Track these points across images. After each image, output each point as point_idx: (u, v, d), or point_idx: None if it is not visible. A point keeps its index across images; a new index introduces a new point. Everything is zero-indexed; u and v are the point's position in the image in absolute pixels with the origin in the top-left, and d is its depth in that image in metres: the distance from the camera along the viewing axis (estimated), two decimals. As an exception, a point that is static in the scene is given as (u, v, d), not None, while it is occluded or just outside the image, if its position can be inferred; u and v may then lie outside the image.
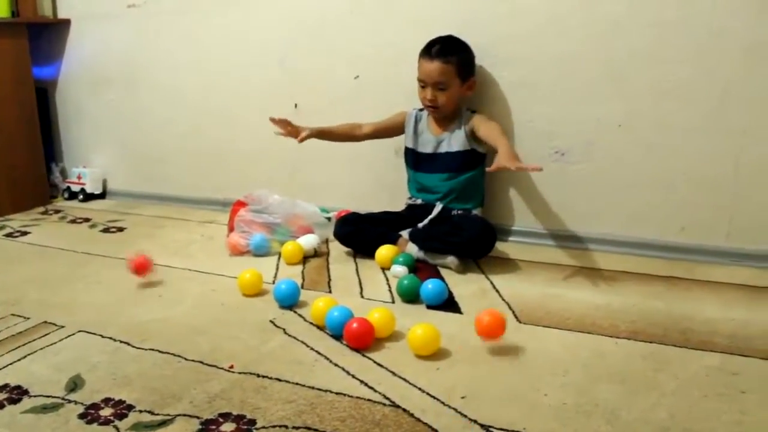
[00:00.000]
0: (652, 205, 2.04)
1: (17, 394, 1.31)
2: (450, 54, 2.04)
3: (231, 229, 2.24)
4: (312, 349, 1.47)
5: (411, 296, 1.73)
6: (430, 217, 2.08)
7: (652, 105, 1.98)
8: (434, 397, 1.25)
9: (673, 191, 2.00)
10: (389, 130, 2.27)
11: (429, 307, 1.70)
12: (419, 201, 2.19)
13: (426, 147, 2.17)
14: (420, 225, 2.07)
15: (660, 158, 2.00)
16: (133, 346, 1.50)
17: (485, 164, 2.15)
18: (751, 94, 1.86)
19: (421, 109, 2.20)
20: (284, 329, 1.57)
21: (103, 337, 1.56)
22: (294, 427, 1.17)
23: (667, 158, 1.99)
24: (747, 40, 1.84)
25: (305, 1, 2.46)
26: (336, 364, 1.39)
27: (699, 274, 1.88)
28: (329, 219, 2.33)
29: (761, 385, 1.27)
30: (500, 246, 2.14)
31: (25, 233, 2.54)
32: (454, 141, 2.11)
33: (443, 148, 2.12)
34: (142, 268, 1.90)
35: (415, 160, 2.20)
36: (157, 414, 1.21)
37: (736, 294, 1.74)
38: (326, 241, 2.23)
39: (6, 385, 1.34)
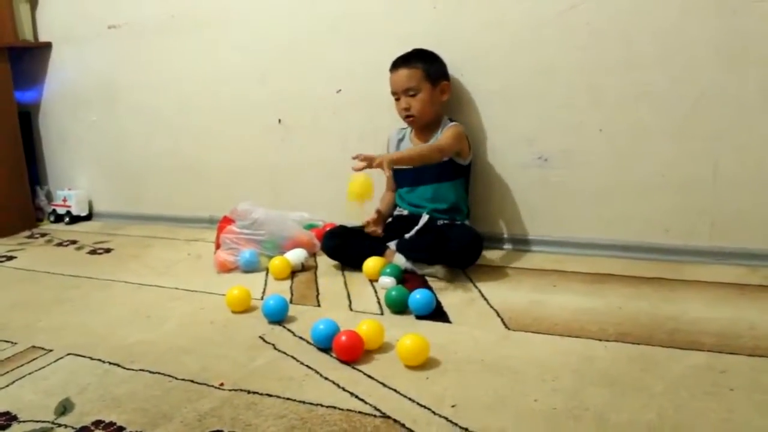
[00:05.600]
0: (635, 208, 2.06)
1: (6, 420, 1.29)
2: (414, 60, 2.10)
3: (218, 246, 2.24)
4: (302, 363, 1.46)
5: (399, 307, 1.73)
6: (416, 228, 2.08)
7: (629, 110, 2.00)
8: (425, 407, 1.25)
9: (655, 194, 2.02)
10: None
11: (418, 317, 1.71)
12: (405, 212, 2.19)
13: None
14: (407, 236, 2.08)
15: (639, 163, 2.02)
16: (123, 368, 1.49)
17: (468, 176, 2.17)
18: (725, 97, 1.89)
19: (403, 127, 2.22)
20: (274, 345, 1.57)
21: (92, 359, 1.55)
22: (285, 443, 1.17)
23: (646, 163, 2.02)
24: (720, 44, 1.87)
25: (283, 19, 2.49)
26: (326, 378, 1.39)
27: (684, 275, 1.89)
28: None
29: (749, 382, 1.28)
30: (487, 254, 2.16)
31: (11, 258, 2.53)
32: None
33: None
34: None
35: (400, 178, 2.20)
36: (148, 435, 1.21)
37: (721, 293, 1.75)
38: (313, 255, 2.24)
39: (-5, 412, 1.33)
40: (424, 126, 2.16)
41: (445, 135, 2.09)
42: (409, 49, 2.14)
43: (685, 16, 1.89)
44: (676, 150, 1.97)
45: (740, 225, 1.94)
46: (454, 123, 2.14)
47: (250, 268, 2.15)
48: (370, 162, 1.88)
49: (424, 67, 2.09)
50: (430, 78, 2.09)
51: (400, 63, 2.12)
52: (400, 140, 2.23)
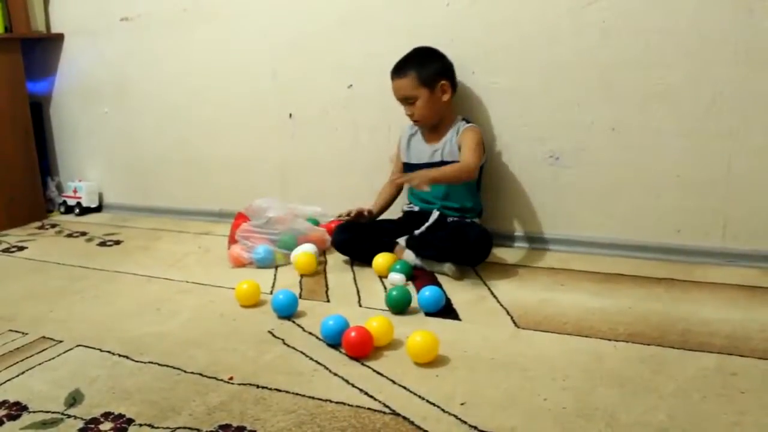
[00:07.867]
0: (647, 207, 2.05)
1: (16, 410, 1.30)
2: (406, 67, 2.08)
3: (232, 242, 2.23)
4: (311, 359, 1.47)
5: (401, 308, 1.70)
6: (426, 224, 2.07)
7: (643, 109, 1.99)
8: (434, 404, 1.25)
9: (667, 194, 2.01)
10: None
11: (427, 314, 1.70)
12: (416, 208, 2.18)
13: (420, 158, 2.17)
14: (416, 232, 2.07)
15: (652, 162, 2.01)
16: (132, 360, 1.50)
17: (481, 176, 2.15)
18: (740, 96, 1.87)
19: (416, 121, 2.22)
20: (283, 339, 1.57)
21: (101, 351, 1.55)
22: (294, 438, 1.17)
23: (659, 162, 2.00)
24: (736, 42, 1.85)
25: (294, 13, 2.48)
26: (335, 374, 1.39)
27: (696, 276, 1.88)
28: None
29: (760, 385, 1.28)
30: (497, 251, 2.15)
31: (21, 248, 2.54)
32: (448, 151, 2.11)
33: (437, 157, 2.13)
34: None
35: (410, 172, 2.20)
36: (157, 427, 1.21)
37: (733, 294, 1.74)
38: (323, 252, 2.24)
39: (5, 402, 1.34)
40: (432, 127, 2.16)
41: (468, 147, 2.04)
42: (420, 45, 2.13)
43: (700, 14, 1.87)
44: (689, 149, 1.96)
45: (753, 226, 1.93)
46: (470, 126, 2.11)
47: (264, 264, 2.14)
48: (408, 181, 1.99)
49: (417, 73, 2.05)
50: (426, 82, 2.06)
51: (394, 72, 2.10)
52: (412, 135, 2.22)
